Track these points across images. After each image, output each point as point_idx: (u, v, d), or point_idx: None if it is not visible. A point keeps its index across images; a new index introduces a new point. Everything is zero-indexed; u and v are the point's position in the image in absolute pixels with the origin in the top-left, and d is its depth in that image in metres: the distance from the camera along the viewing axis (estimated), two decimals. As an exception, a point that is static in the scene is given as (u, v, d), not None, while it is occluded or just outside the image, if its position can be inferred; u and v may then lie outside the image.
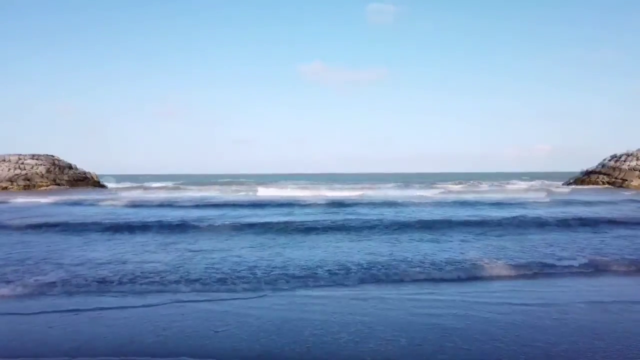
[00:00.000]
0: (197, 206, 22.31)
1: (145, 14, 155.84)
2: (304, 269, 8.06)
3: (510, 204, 22.42)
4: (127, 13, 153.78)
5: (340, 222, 14.98)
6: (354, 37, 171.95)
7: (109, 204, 23.28)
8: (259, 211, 19.29)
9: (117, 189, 43.55)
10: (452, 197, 28.52)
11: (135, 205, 23.01)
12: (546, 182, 52.84)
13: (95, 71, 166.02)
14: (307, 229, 13.49)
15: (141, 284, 7.09)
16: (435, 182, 58.86)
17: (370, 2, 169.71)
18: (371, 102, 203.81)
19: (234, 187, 43.88)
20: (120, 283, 7.15)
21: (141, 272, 7.78)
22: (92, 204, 23.93)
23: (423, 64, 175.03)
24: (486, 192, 35.37)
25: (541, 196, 27.61)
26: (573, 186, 43.88)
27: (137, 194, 33.36)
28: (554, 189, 37.39)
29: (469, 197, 28.01)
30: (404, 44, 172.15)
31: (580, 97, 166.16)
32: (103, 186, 48.55)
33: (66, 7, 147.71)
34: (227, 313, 5.68)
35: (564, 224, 14.26)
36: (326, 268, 8.10)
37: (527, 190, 36.63)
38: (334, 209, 20.16)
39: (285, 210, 19.86)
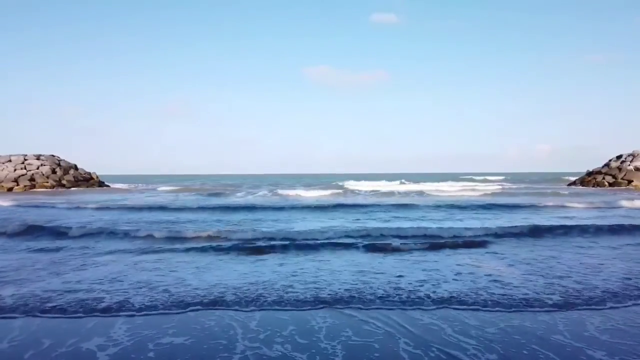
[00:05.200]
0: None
1: (151, 14, 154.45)
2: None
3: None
4: (132, 13, 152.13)
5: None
6: (359, 42, 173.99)
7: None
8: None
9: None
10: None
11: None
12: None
13: (96, 71, 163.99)
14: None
15: None
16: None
17: (373, 12, 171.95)
18: (372, 104, 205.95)
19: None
20: None
21: None
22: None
23: (423, 68, 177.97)
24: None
25: None
26: (580, 187, 44.54)
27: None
28: None
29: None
30: (406, 49, 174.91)
31: (582, 97, 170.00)
32: (107, 186, 48.19)
33: (67, 7, 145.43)
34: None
35: None
36: None
37: None
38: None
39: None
